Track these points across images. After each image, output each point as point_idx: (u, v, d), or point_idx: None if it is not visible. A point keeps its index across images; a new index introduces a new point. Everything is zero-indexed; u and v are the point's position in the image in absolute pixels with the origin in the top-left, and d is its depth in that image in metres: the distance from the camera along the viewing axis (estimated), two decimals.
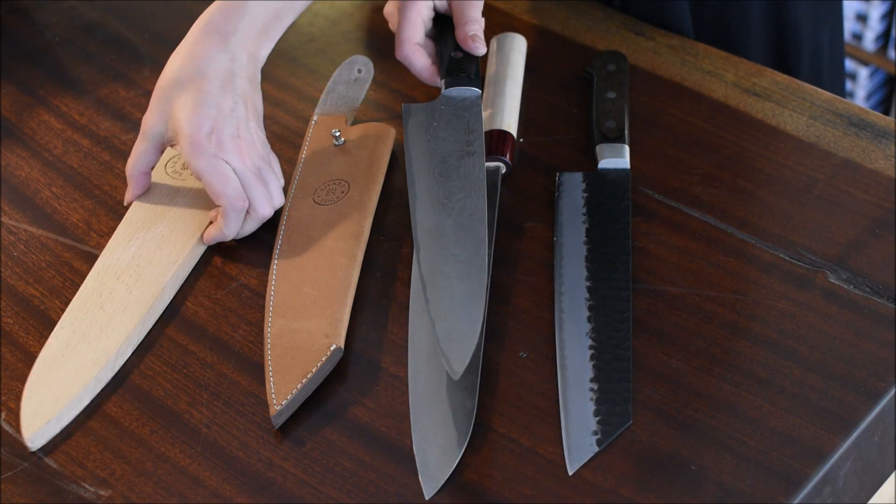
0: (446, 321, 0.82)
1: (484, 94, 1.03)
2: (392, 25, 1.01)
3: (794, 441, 0.80)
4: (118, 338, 0.89)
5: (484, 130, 0.99)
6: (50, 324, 0.92)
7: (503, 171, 0.98)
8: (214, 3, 0.94)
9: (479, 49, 0.98)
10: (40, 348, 0.91)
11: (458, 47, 0.98)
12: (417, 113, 0.95)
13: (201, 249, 0.96)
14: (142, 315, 0.90)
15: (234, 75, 0.92)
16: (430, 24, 1.00)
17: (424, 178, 0.90)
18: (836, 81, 1.25)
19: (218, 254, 0.96)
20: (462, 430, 0.82)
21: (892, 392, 0.83)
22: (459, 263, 0.85)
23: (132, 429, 0.86)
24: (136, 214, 0.97)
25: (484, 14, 1.13)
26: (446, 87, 0.97)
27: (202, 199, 0.97)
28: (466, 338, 0.81)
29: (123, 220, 0.97)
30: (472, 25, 0.98)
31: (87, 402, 0.87)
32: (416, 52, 0.98)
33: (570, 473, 0.80)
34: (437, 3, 0.99)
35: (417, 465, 0.81)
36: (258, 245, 0.97)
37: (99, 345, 0.88)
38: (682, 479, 0.79)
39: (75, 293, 0.93)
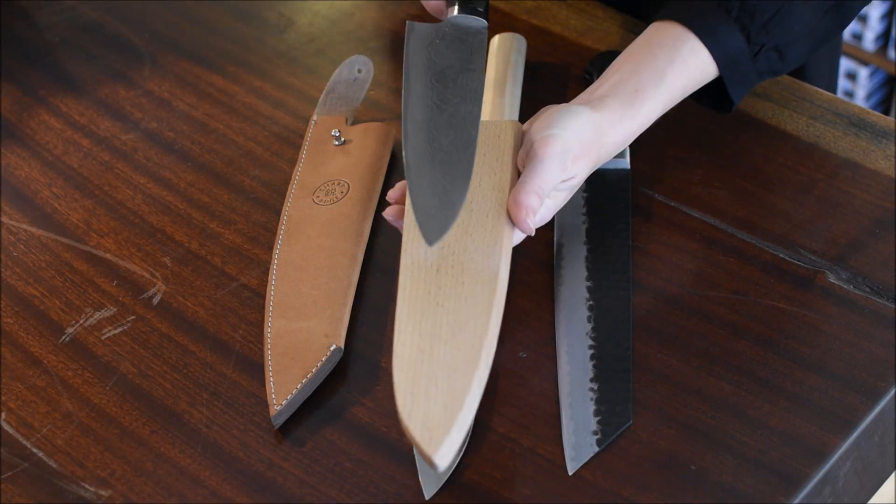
0: (426, 201, 0.80)
1: (484, 95, 1.03)
2: None
3: (794, 441, 0.80)
4: (476, 331, 0.78)
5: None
6: (50, 324, 0.93)
7: None
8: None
9: None
10: (40, 348, 0.91)
11: None
12: (421, 30, 0.91)
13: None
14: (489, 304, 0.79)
15: None
16: None
17: (420, 84, 0.87)
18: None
19: (218, 254, 0.97)
20: None
21: (892, 392, 0.83)
22: (446, 154, 0.83)
23: (132, 429, 0.86)
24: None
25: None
26: (452, 14, 0.93)
27: (486, 178, 0.86)
28: (444, 216, 0.80)
29: (406, 215, 0.85)
30: None
31: (476, 406, 0.76)
32: None
33: (570, 473, 0.80)
34: None
35: (417, 465, 0.81)
36: (258, 245, 0.97)
37: (458, 342, 0.77)
38: (682, 479, 0.79)
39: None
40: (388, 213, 0.86)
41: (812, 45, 0.91)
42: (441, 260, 0.81)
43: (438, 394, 0.74)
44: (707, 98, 0.94)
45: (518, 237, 0.84)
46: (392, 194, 0.87)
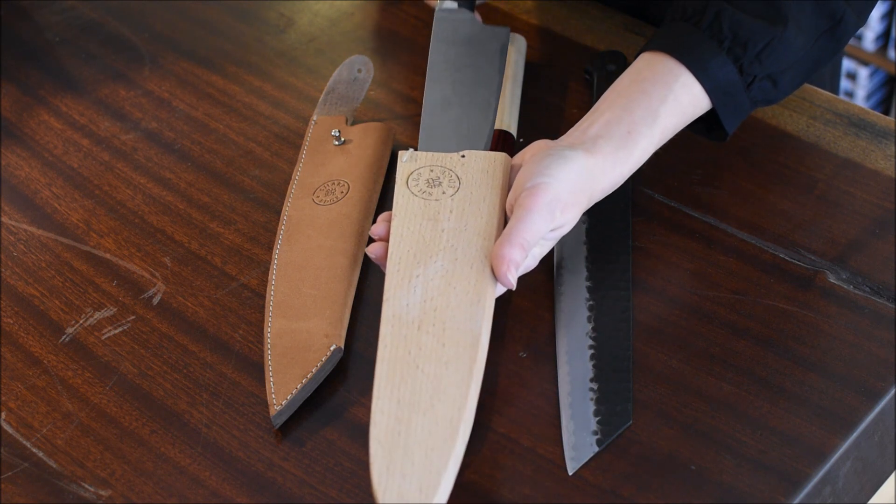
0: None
1: None
2: None
3: (794, 441, 0.80)
4: (455, 403, 0.76)
5: None
6: (50, 324, 0.93)
7: None
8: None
9: None
10: (40, 348, 0.91)
11: None
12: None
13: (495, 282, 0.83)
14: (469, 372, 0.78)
15: None
16: None
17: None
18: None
19: (218, 254, 0.97)
20: None
21: (892, 392, 0.83)
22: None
23: (132, 429, 0.86)
24: (401, 248, 0.83)
25: (484, 14, 1.13)
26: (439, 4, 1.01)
27: (473, 221, 0.84)
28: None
29: (389, 257, 0.83)
30: None
31: (452, 483, 0.75)
32: None
33: (570, 473, 0.80)
34: None
35: None
36: (258, 245, 0.97)
37: (436, 415, 0.76)
38: (682, 479, 0.79)
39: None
40: (372, 251, 0.84)
41: (805, 72, 0.89)
42: (423, 315, 0.79)
43: (414, 472, 0.73)
44: (699, 124, 0.92)
45: (501, 288, 0.82)
46: (375, 230, 0.85)
